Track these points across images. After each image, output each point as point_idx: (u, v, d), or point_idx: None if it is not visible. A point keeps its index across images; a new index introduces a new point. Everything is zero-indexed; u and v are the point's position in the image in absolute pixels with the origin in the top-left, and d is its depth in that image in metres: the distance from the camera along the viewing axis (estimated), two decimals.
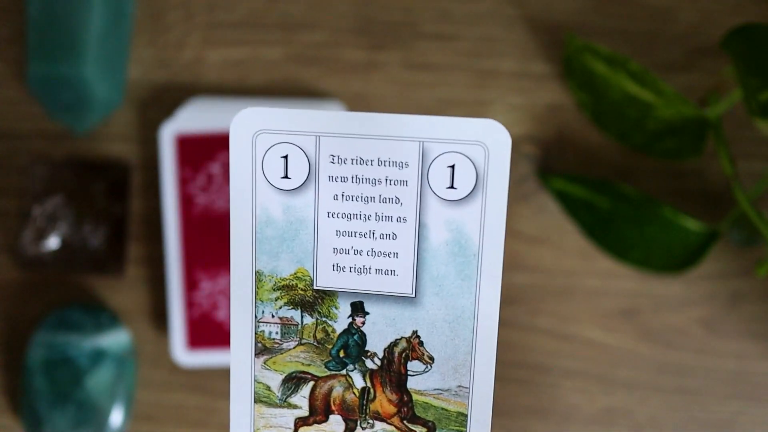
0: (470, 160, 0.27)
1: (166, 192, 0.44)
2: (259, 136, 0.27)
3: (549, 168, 0.44)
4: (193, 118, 0.43)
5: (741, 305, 0.44)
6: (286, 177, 0.27)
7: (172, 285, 0.44)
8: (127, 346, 0.45)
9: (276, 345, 0.28)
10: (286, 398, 0.29)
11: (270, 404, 0.29)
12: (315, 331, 0.28)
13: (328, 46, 0.44)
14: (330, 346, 0.28)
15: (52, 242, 0.45)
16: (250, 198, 0.27)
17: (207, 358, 0.44)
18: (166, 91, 0.45)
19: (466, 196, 0.27)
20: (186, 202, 0.44)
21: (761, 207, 0.43)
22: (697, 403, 0.45)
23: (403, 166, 0.27)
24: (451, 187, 0.27)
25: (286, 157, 0.27)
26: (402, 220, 0.27)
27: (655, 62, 0.43)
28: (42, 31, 0.42)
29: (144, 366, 0.46)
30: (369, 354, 0.28)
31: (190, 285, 0.44)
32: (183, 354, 0.44)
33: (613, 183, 0.42)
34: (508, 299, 0.44)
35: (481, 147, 0.26)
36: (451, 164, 0.27)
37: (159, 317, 0.46)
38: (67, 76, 0.42)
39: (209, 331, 0.44)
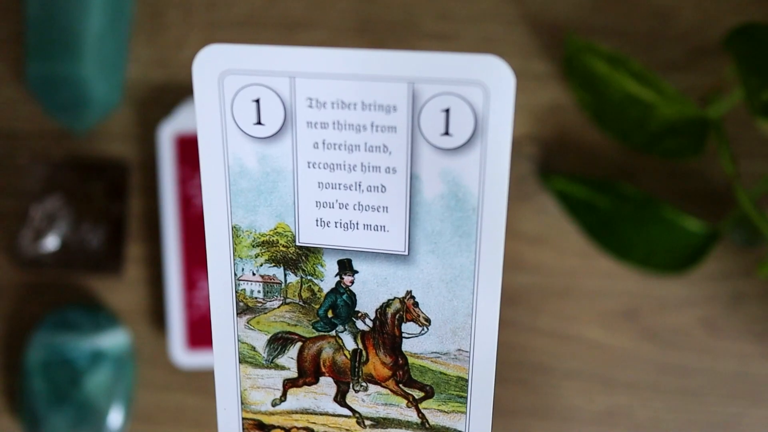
0: (467, 102, 0.23)
1: (165, 192, 0.44)
2: (227, 78, 0.24)
3: (549, 168, 0.44)
4: (192, 117, 0.43)
5: (742, 306, 0.44)
6: (259, 123, 0.25)
7: (171, 285, 0.44)
8: (126, 346, 0.45)
9: (259, 304, 0.27)
10: (272, 359, 0.27)
11: (256, 365, 0.28)
12: (300, 290, 0.27)
13: (328, 46, 0.44)
14: (317, 306, 0.27)
15: (51, 242, 0.44)
16: (221, 147, 0.25)
17: (206, 358, 0.44)
18: (165, 91, 0.45)
19: (464, 144, 0.24)
20: (185, 201, 0.44)
21: (763, 207, 0.43)
22: (699, 404, 0.44)
23: (391, 110, 0.24)
24: (446, 133, 0.24)
25: (257, 101, 0.25)
26: (391, 170, 0.25)
27: (656, 62, 0.43)
28: (41, 31, 0.42)
29: (143, 366, 0.46)
30: (359, 315, 0.27)
31: (189, 285, 0.44)
32: (182, 354, 0.44)
33: (614, 183, 0.42)
34: (508, 300, 0.44)
35: (479, 87, 0.23)
36: (446, 108, 0.24)
37: (158, 317, 0.46)
38: (65, 75, 0.42)
39: (208, 331, 0.44)
